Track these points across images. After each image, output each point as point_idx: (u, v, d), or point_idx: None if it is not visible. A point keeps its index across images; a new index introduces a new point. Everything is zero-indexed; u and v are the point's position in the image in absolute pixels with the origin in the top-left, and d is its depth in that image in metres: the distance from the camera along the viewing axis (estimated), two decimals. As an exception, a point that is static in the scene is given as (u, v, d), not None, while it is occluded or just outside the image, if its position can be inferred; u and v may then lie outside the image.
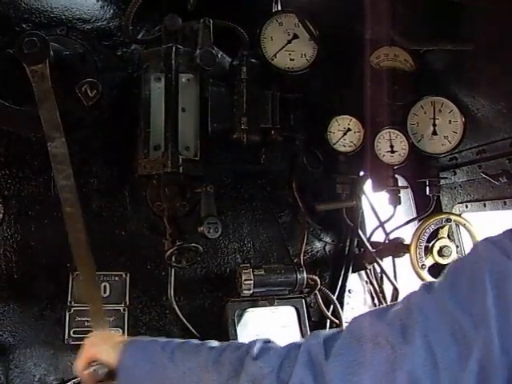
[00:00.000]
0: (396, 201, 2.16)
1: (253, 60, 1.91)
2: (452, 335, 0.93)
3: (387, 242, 2.34)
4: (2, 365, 1.96)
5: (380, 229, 2.39)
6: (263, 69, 1.95)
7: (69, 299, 2.00)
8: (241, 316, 2.15)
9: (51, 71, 1.59)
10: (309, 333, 2.17)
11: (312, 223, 2.33)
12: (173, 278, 2.01)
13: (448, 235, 2.17)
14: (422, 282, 1.06)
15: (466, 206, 2.24)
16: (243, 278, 2.06)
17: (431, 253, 2.12)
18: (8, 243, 1.99)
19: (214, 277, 2.23)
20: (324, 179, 2.29)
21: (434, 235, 2.15)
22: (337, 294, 2.37)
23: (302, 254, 2.26)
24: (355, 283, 2.45)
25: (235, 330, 2.11)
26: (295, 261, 2.27)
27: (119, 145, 2.02)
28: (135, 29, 1.97)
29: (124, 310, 2.04)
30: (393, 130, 2.03)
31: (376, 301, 2.46)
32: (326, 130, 2.13)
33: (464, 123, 1.97)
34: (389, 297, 2.44)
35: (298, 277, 2.14)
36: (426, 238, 2.11)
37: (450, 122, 2.00)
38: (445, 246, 2.13)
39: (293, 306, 2.21)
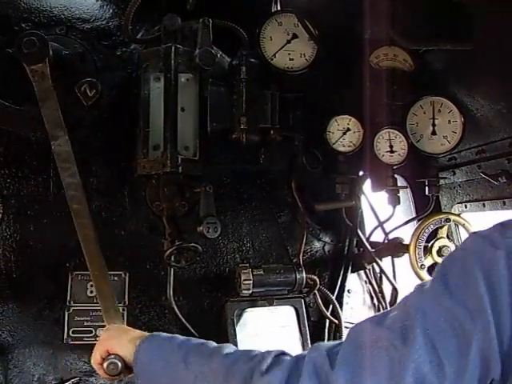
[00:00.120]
0: (395, 201, 2.16)
1: (252, 60, 1.91)
2: (451, 328, 0.95)
3: (386, 241, 2.34)
4: (0, 364, 1.97)
5: (379, 229, 2.39)
6: (262, 69, 1.94)
7: (68, 299, 2.00)
8: (240, 316, 2.15)
9: (51, 71, 1.59)
10: (308, 333, 2.18)
11: (311, 223, 2.33)
12: (172, 277, 2.01)
13: (447, 235, 2.17)
14: (416, 284, 1.08)
15: (466, 206, 2.24)
16: (242, 278, 2.06)
17: (430, 253, 2.13)
18: (7, 243, 1.99)
19: (213, 277, 2.22)
20: (323, 179, 2.29)
21: (434, 235, 2.16)
22: (336, 293, 2.36)
23: (301, 254, 2.26)
24: (354, 283, 2.45)
25: (234, 330, 2.11)
26: (294, 261, 2.27)
27: (118, 144, 2.02)
28: (134, 28, 1.97)
29: (123, 309, 2.04)
30: (392, 130, 2.03)
31: (375, 301, 2.46)
32: (325, 129, 2.12)
33: (463, 123, 1.97)
34: (388, 297, 2.44)
35: (297, 277, 2.14)
36: (425, 237, 2.12)
37: (449, 121, 2.00)
38: (444, 246, 2.13)
39: (292, 305, 2.21)
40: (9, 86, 1.78)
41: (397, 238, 2.28)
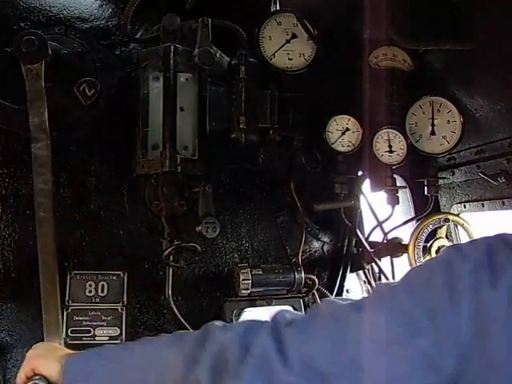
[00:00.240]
0: (394, 201, 2.15)
1: (251, 59, 1.91)
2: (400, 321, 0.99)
3: (385, 241, 2.34)
4: (-1, 364, 1.97)
5: (378, 229, 2.38)
6: (262, 68, 1.94)
7: (66, 298, 2.00)
8: (239, 316, 2.15)
9: (49, 70, 1.59)
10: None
11: (310, 223, 2.33)
12: (171, 277, 2.00)
13: (446, 235, 2.17)
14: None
15: (465, 206, 2.24)
16: (241, 278, 2.06)
17: (429, 253, 2.13)
18: (6, 242, 1.99)
19: (211, 276, 2.22)
20: (322, 179, 2.28)
21: (432, 235, 2.16)
22: (335, 293, 2.36)
23: (300, 254, 2.26)
24: (353, 283, 2.44)
25: (233, 330, 2.10)
26: (293, 260, 2.27)
27: (117, 144, 2.01)
28: (134, 28, 1.97)
29: (122, 309, 2.04)
30: (391, 130, 2.03)
31: (374, 300, 2.46)
32: (324, 129, 2.12)
33: (462, 123, 1.97)
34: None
35: (296, 276, 2.14)
36: (424, 237, 2.12)
37: (448, 121, 2.00)
38: (443, 246, 2.13)
39: (291, 305, 2.20)
40: (8, 86, 1.77)
41: (396, 237, 2.28)
